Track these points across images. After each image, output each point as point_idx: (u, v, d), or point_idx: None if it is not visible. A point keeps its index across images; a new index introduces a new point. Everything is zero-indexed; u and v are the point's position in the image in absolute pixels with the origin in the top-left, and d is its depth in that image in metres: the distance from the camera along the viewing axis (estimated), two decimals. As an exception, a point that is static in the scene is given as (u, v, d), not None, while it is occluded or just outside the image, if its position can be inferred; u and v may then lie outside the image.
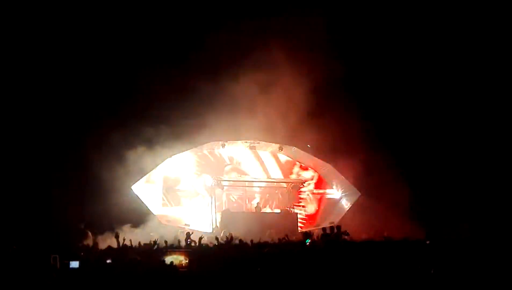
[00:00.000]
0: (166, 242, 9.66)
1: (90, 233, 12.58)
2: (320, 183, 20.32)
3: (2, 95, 13.68)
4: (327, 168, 19.01)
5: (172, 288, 4.83)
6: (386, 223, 14.84)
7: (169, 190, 18.72)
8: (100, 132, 14.69)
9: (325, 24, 15.53)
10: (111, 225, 12.93)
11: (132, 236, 12.20)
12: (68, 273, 5.78)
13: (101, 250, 7.66)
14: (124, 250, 7.64)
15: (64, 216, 12.71)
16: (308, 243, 5.61)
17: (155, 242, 8.75)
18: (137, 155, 15.18)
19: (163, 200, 18.56)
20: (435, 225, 13.86)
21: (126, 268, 5.65)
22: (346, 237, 9.13)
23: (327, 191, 20.19)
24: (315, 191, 20.43)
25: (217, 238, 11.15)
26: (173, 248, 8.47)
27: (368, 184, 17.22)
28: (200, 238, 9.46)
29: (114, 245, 8.46)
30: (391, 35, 16.50)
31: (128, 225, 13.70)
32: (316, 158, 18.83)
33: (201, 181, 19.40)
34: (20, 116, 13.85)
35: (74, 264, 6.02)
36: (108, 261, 6.76)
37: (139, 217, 14.84)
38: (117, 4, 15.09)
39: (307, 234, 5.52)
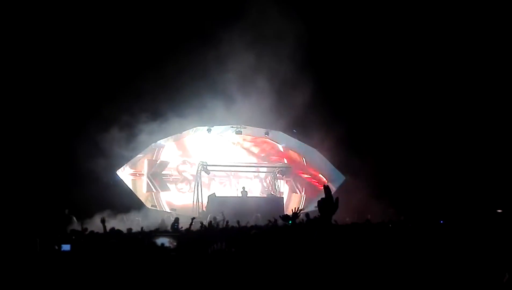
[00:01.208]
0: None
1: (75, 219, 12.47)
2: (305, 168, 20.54)
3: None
4: (312, 152, 19.18)
5: (163, 270, 4.84)
6: (368, 207, 15.10)
7: (155, 175, 18.69)
8: (83, 118, 14.42)
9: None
10: (96, 210, 12.84)
11: (117, 222, 12.23)
12: (60, 256, 5.76)
13: (90, 233, 7.60)
14: (111, 234, 7.59)
15: (48, 202, 12.53)
16: (290, 224, 5.63)
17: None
18: (121, 141, 14.99)
19: (149, 185, 18.54)
20: (414, 209, 14.14)
21: (118, 249, 5.65)
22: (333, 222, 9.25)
23: (312, 175, 20.44)
24: (301, 175, 20.67)
25: (202, 223, 11.22)
26: (160, 232, 8.44)
27: (352, 168, 17.42)
28: (192, 219, 9.43)
29: (100, 230, 8.43)
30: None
31: (114, 210, 13.61)
32: (301, 143, 18.96)
33: (187, 166, 19.41)
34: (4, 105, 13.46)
35: (66, 247, 6.00)
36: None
37: (125, 202, 14.75)
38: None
39: (287, 217, 5.54)
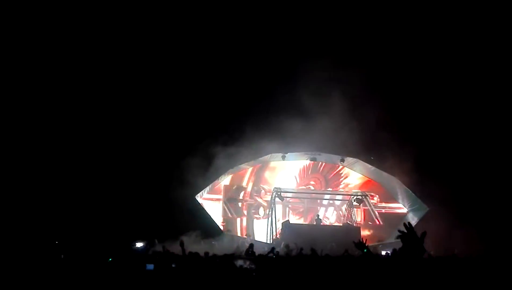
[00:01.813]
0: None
1: (157, 241, 13.10)
2: (384, 197, 19.64)
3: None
4: (392, 181, 18.30)
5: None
6: (455, 239, 13.92)
7: (231, 201, 19.11)
8: (165, 143, 15.35)
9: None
10: (176, 234, 13.39)
11: (195, 245, 12.63)
12: (145, 275, 6.15)
13: (171, 254, 7.99)
14: (191, 257, 7.87)
15: (132, 226, 13.35)
16: (365, 252, 5.38)
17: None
18: (201, 167, 15.64)
19: (225, 210, 18.97)
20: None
21: (197, 269, 5.89)
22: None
23: (392, 205, 19.45)
24: (379, 205, 19.76)
25: (275, 250, 11.16)
26: (236, 257, 8.58)
27: (435, 196, 16.29)
28: (272, 249, 9.44)
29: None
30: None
31: (192, 234, 14.11)
32: (380, 171, 18.23)
33: (262, 192, 19.60)
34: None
35: (150, 266, 6.39)
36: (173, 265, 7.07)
37: (203, 226, 15.22)
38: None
39: (361, 244, 5.29)
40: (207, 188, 17.81)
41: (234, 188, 19.38)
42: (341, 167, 19.77)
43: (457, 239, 13.87)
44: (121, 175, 14.57)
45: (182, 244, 8.36)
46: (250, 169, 19.58)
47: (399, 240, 3.96)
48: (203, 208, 16.82)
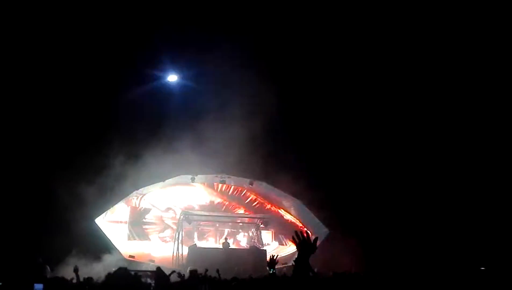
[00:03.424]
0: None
1: (48, 268, 11.90)
2: (290, 219, 20.32)
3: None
4: (297, 204, 19.08)
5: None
6: (353, 259, 14.84)
7: (136, 224, 18.22)
8: (63, 163, 14.23)
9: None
10: (70, 259, 12.39)
11: (92, 272, 11.70)
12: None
13: (61, 280, 7.30)
14: (82, 285, 7.26)
15: (22, 249, 12.04)
16: (272, 272, 5.46)
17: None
18: (101, 188, 14.76)
19: (129, 233, 18.02)
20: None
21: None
22: (311, 273, 9.03)
23: (297, 227, 20.16)
24: (286, 227, 20.36)
25: (182, 275, 10.80)
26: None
27: (336, 219, 17.31)
28: (172, 272, 9.07)
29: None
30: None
31: (89, 259, 13.10)
32: (285, 194, 18.89)
33: (169, 214, 19.05)
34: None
35: (38, 286, 5.81)
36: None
37: (101, 251, 14.25)
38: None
39: (269, 264, 5.37)
40: (112, 210, 16.81)
41: (140, 210, 18.55)
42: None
43: (355, 260, 14.79)
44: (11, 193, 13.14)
45: (76, 270, 7.71)
46: (157, 192, 18.94)
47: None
48: (102, 232, 15.74)
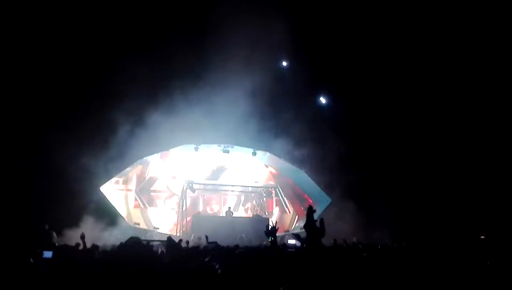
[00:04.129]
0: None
1: (54, 234, 12.17)
2: (293, 188, 20.50)
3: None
4: (299, 173, 19.19)
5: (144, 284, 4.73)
6: (356, 229, 15.07)
7: (143, 191, 18.46)
8: (69, 130, 14.24)
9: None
10: (76, 227, 12.65)
11: (98, 239, 11.96)
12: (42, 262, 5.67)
13: (67, 247, 7.47)
14: (90, 251, 7.42)
15: (29, 217, 12.25)
16: (270, 240, 5.55)
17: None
18: (108, 156, 14.85)
19: (136, 200, 18.30)
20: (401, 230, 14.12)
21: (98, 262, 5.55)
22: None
23: (300, 195, 20.39)
24: (286, 196, 20.60)
25: (187, 241, 11.03)
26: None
27: (339, 190, 17.45)
28: (179, 241, 9.26)
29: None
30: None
31: (95, 227, 13.37)
32: (289, 164, 18.98)
33: (175, 182, 19.25)
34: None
35: (47, 254, 5.94)
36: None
37: (106, 219, 14.50)
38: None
39: (268, 232, 5.43)
40: (118, 178, 17.02)
41: (146, 178, 18.75)
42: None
43: (356, 228, 15.02)
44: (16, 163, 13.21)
45: (83, 237, 7.87)
46: (162, 160, 19.07)
47: (303, 230, 4.13)
48: (107, 200, 15.97)
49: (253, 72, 15.58)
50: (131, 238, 5.15)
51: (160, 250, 8.26)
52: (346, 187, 16.78)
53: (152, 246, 7.63)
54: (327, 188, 18.24)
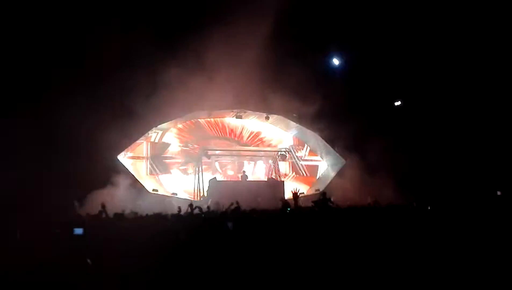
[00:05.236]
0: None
1: (76, 202, 12.48)
2: (306, 151, 20.62)
3: None
4: (313, 136, 19.18)
5: (168, 254, 4.92)
6: (372, 190, 15.14)
7: (156, 158, 18.68)
8: (83, 100, 14.26)
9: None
10: (95, 196, 12.91)
11: (118, 207, 12.26)
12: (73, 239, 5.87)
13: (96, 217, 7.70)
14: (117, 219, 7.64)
15: (51, 189, 12.51)
16: (288, 211, 5.65)
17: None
18: (122, 124, 14.95)
19: (150, 168, 18.56)
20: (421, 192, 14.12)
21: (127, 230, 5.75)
22: (330, 204, 9.31)
23: (313, 159, 20.48)
24: (301, 159, 20.71)
25: (208, 207, 11.26)
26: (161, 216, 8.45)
27: (354, 152, 17.46)
28: (190, 206, 9.40)
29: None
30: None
31: (114, 195, 13.68)
32: (302, 127, 18.94)
33: (189, 149, 19.40)
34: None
35: (79, 231, 6.12)
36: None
37: (126, 186, 14.81)
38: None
39: (286, 204, 5.50)
40: (131, 147, 17.23)
41: (159, 145, 18.92)
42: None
43: (372, 188, 15.10)
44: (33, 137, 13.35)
45: (103, 206, 8.10)
46: (176, 128, 19.15)
47: (317, 191, 4.17)
48: (126, 168, 16.27)
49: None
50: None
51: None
52: (362, 149, 16.77)
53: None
54: (341, 150, 18.28)
